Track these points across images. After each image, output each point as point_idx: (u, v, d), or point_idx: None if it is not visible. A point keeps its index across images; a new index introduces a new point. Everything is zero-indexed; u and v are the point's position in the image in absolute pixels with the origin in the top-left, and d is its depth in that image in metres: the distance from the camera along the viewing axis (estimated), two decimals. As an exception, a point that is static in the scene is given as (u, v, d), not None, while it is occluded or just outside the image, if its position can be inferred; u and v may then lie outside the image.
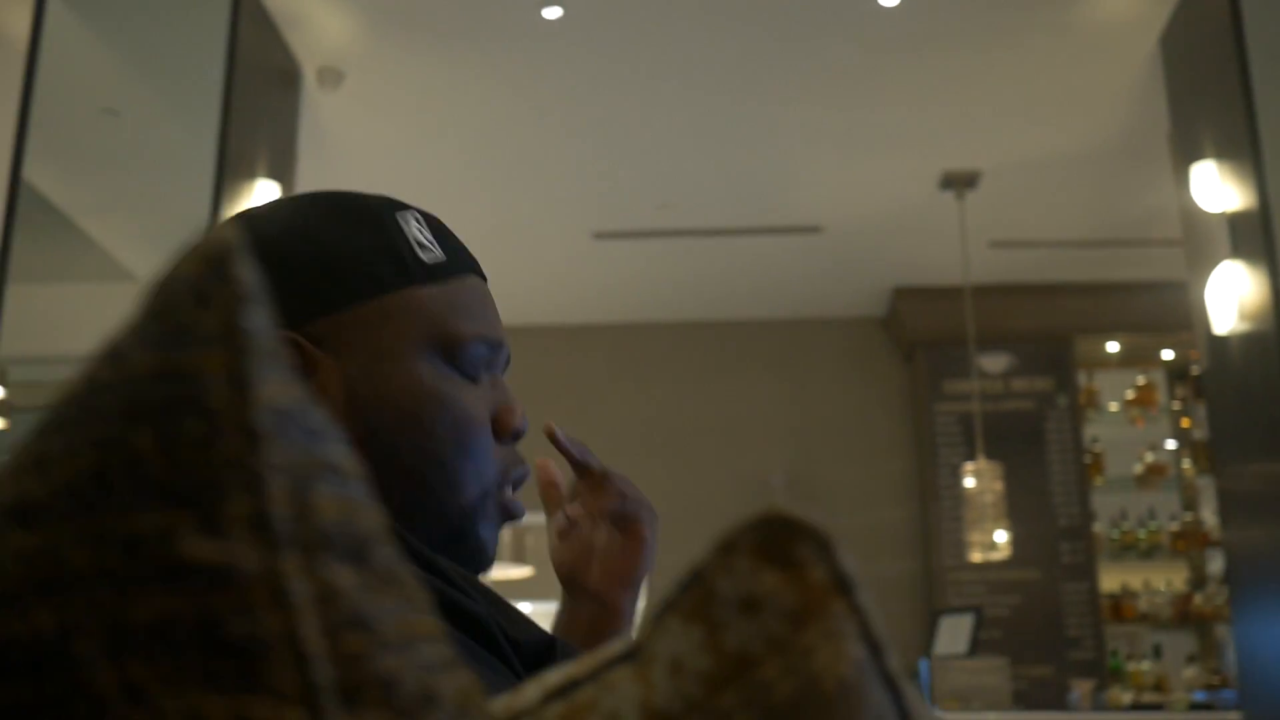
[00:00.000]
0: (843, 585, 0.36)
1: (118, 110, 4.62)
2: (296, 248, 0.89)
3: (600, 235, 6.19)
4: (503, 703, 0.42)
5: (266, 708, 0.29)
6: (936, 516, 6.70)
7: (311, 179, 5.12)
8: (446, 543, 0.89)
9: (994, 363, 6.86)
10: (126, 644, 0.29)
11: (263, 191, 4.44)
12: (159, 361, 0.30)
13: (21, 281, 4.23)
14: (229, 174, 4.26)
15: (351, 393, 0.88)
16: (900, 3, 4.37)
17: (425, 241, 0.93)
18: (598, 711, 0.37)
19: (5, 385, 4.28)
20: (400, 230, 0.92)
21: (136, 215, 4.63)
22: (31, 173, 4.30)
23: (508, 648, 0.77)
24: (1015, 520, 6.16)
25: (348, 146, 5.33)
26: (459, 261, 0.96)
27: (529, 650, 0.80)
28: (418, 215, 0.95)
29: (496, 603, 0.82)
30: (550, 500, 1.07)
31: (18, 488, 0.31)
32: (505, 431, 0.95)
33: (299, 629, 0.29)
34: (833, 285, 6.88)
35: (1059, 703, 5.91)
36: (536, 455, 1.08)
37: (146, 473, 0.30)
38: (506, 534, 8.61)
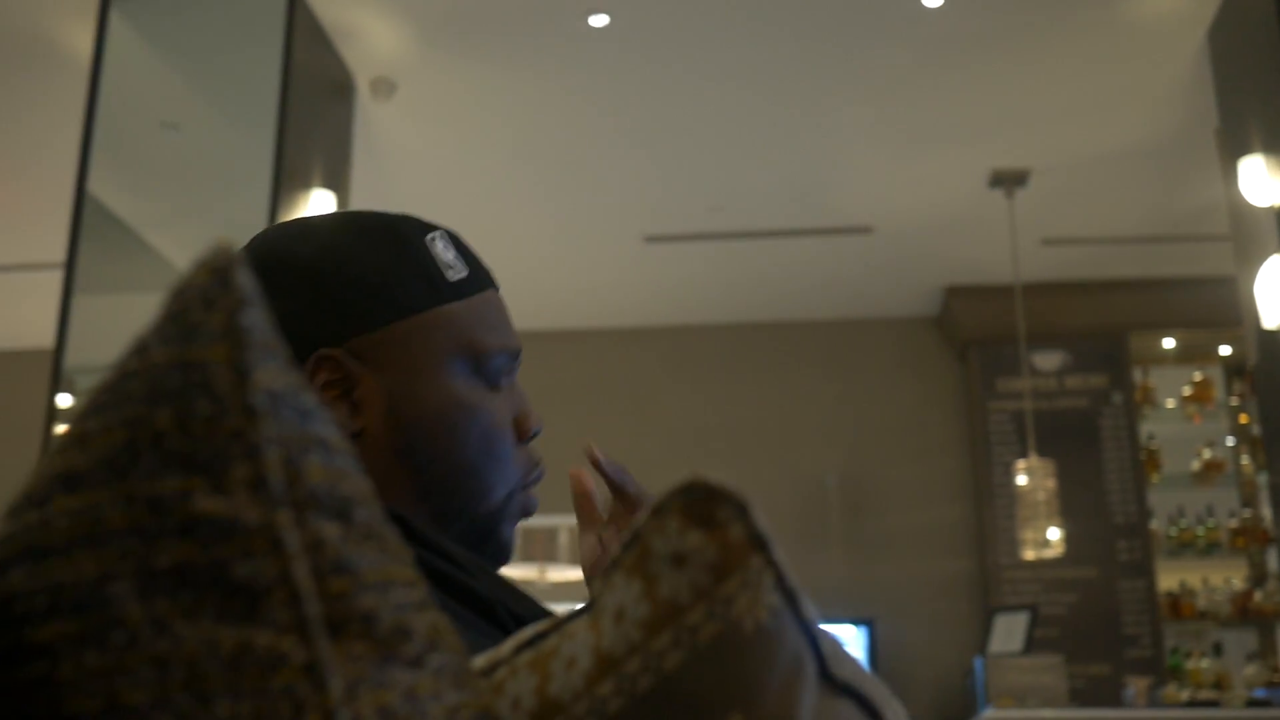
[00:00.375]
0: (758, 542, 0.42)
1: (178, 124, 4.74)
2: (334, 270, 0.96)
3: (651, 239, 6.25)
4: (486, 655, 0.48)
5: (266, 636, 0.35)
6: (991, 515, 6.69)
7: (365, 188, 5.22)
8: (475, 542, 0.97)
9: (1048, 360, 6.84)
10: (153, 585, 0.36)
11: (318, 201, 4.54)
12: (175, 354, 0.37)
13: (87, 293, 4.35)
14: (285, 184, 4.35)
15: (391, 405, 0.95)
16: (944, 3, 4.40)
17: (451, 261, 1.00)
18: (559, 656, 0.44)
19: (73, 394, 4.37)
20: (428, 251, 0.99)
21: (197, 226, 4.74)
22: (96, 186, 4.43)
23: (510, 623, 0.83)
24: (1070, 518, 6.15)
25: (401, 155, 5.42)
26: (480, 277, 1.03)
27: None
28: (443, 235, 1.02)
29: (501, 583, 0.89)
30: (584, 512, 1.10)
31: (65, 460, 0.38)
32: (525, 434, 1.02)
33: (292, 572, 0.36)
34: (884, 285, 6.90)
35: (1116, 700, 5.89)
36: (562, 457, 1.13)
37: (167, 445, 0.36)
38: (564, 537, 8.68)
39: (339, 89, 4.83)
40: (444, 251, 1.00)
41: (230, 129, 4.68)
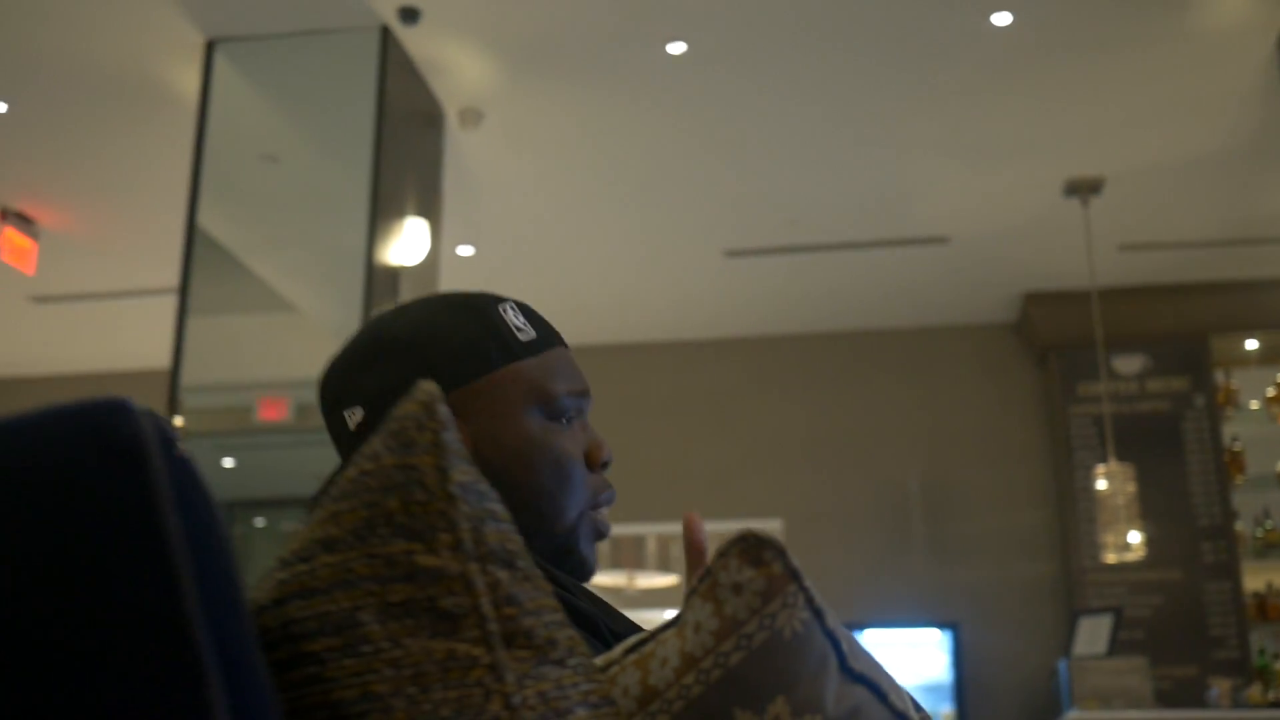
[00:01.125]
0: (794, 575, 0.60)
1: (278, 157, 4.99)
2: (427, 340, 1.18)
3: (732, 253, 6.41)
4: (602, 657, 0.66)
5: (464, 647, 0.54)
6: (1074, 519, 6.75)
7: (456, 214, 5.43)
8: (557, 558, 1.17)
9: (1128, 364, 6.89)
10: (388, 614, 0.54)
11: (412, 228, 4.74)
12: (399, 460, 0.56)
13: (196, 315, 4.61)
14: (381, 212, 4.55)
15: (477, 447, 1.15)
16: (1013, 22, 4.51)
17: (520, 325, 1.21)
18: (655, 657, 0.62)
19: (182, 414, 4.61)
20: (502, 318, 1.20)
21: (298, 252, 4.99)
22: (203, 217, 4.69)
23: (608, 635, 1.02)
24: (1154, 521, 6.19)
25: (489, 182, 5.62)
26: (547, 337, 1.23)
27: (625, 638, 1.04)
28: (513, 305, 1.23)
29: (600, 604, 1.09)
30: (693, 561, 1.21)
31: (324, 530, 0.57)
32: (595, 463, 1.21)
33: (480, 604, 0.54)
34: (962, 293, 6.98)
35: (1201, 702, 5.93)
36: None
37: (395, 521, 0.55)
38: (652, 545, 8.82)
39: (429, 120, 5.02)
40: (515, 317, 1.21)
41: (328, 161, 4.89)
